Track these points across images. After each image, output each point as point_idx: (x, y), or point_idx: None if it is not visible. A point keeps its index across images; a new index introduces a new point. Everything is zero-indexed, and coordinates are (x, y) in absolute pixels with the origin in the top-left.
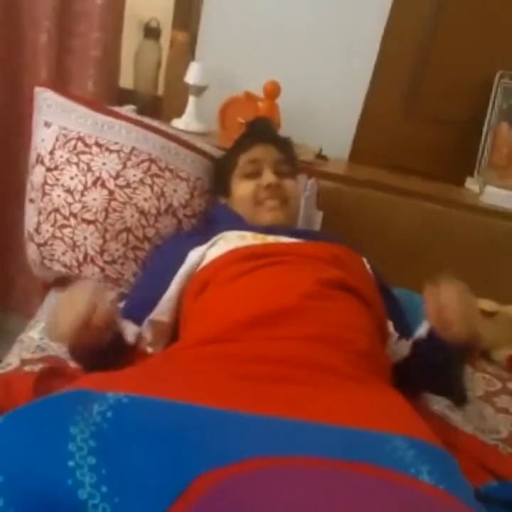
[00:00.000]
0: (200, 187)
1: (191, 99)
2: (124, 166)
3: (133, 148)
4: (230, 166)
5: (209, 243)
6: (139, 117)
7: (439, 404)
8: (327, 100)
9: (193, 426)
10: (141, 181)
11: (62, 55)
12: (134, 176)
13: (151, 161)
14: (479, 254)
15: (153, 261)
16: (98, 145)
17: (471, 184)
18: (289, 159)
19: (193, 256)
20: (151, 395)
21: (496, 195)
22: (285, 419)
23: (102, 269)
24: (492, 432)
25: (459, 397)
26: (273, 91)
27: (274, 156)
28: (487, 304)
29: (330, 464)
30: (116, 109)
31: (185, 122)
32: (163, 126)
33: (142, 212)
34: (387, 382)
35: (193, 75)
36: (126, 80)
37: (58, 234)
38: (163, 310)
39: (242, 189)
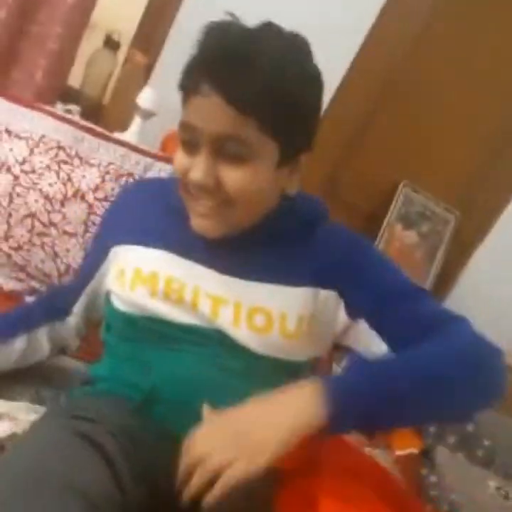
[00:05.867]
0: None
1: (137, 119)
2: (31, 153)
3: (42, 136)
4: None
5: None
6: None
7: None
8: None
9: None
10: (48, 167)
11: (16, 37)
12: (41, 162)
13: (60, 148)
14: None
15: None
16: (8, 132)
17: None
18: (260, 118)
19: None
20: None
21: None
22: None
23: (9, 256)
24: None
25: None
26: None
27: (219, 125)
28: None
29: None
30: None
31: (127, 139)
32: (76, 118)
33: (47, 198)
34: None
35: (145, 99)
36: (74, 79)
37: None
38: None
39: (175, 159)
